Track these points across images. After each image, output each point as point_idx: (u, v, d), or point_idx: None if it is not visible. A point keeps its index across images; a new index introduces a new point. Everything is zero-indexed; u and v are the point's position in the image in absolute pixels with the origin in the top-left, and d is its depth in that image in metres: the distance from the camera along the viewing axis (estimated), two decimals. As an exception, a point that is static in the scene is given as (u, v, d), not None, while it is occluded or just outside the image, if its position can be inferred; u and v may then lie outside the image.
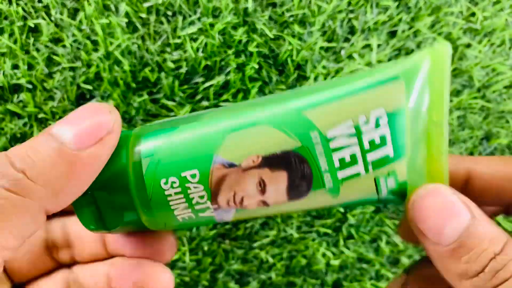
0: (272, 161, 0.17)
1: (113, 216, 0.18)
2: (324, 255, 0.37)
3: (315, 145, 0.17)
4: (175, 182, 0.18)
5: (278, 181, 0.18)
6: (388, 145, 0.17)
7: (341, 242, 0.38)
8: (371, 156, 0.17)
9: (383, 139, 0.17)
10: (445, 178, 0.18)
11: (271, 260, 0.37)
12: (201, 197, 0.18)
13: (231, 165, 0.17)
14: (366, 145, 0.17)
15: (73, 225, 0.21)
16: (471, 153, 0.38)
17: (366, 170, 0.17)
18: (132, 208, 0.18)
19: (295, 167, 0.17)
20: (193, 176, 0.18)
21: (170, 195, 0.18)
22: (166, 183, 0.18)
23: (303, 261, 0.37)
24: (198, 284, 0.37)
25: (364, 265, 0.38)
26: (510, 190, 0.19)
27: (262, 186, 0.18)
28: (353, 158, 0.17)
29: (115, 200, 0.18)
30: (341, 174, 0.17)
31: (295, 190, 0.18)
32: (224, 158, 0.17)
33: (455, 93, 0.38)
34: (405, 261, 0.38)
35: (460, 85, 0.38)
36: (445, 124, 0.17)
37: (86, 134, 0.16)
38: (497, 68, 0.38)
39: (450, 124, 0.38)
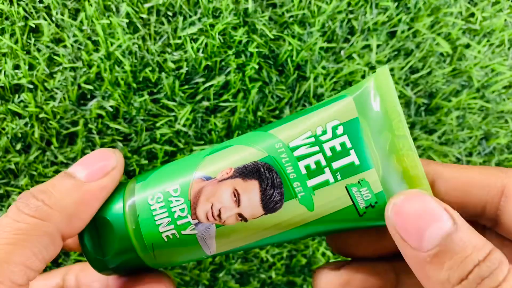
0: (243, 171, 0.19)
1: (108, 241, 0.20)
2: (324, 254, 0.38)
3: (280, 154, 0.19)
4: (160, 197, 0.20)
5: (251, 190, 0.19)
6: (351, 153, 0.19)
7: (341, 241, 0.38)
8: (337, 164, 0.19)
9: (343, 145, 0.19)
10: (427, 188, 0.18)
11: (271, 259, 0.37)
12: (182, 209, 0.19)
13: (208, 178, 0.19)
14: (328, 152, 0.19)
15: (84, 277, 0.24)
16: (470, 153, 0.39)
17: (335, 178, 0.19)
18: (125, 231, 0.20)
19: (265, 175, 0.19)
20: (175, 190, 0.20)
21: (155, 209, 0.20)
22: (152, 198, 0.20)
23: (303, 261, 0.37)
24: (198, 284, 0.37)
25: (364, 265, 0.38)
26: (474, 195, 0.19)
27: (237, 196, 0.19)
28: (318, 165, 0.19)
29: (111, 224, 0.20)
30: (310, 182, 0.19)
31: (268, 200, 0.19)
32: (202, 173, 0.20)
33: (454, 93, 0.38)
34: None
35: (459, 85, 0.39)
36: (409, 137, 0.19)
37: (95, 170, 0.19)
38: (496, 68, 0.38)
39: (450, 124, 0.38)
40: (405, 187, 0.18)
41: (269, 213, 0.19)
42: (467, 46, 0.39)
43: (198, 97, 0.36)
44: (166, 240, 0.20)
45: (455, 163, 0.38)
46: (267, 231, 0.20)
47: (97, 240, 0.20)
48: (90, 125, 0.35)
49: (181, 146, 0.36)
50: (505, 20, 0.39)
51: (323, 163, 0.19)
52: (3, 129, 0.35)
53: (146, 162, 0.36)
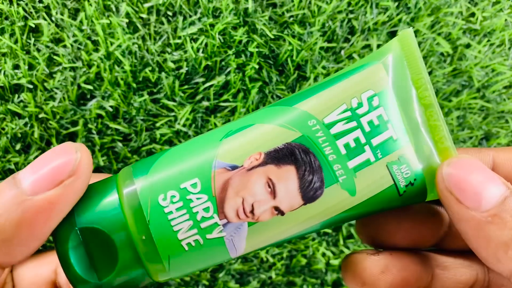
0: (275, 156, 0.16)
1: (105, 258, 0.16)
2: (324, 254, 0.37)
3: (315, 133, 0.16)
4: (174, 196, 0.16)
5: (287, 177, 0.16)
6: (389, 126, 0.17)
7: (341, 241, 0.38)
8: (376, 140, 0.17)
9: (380, 119, 0.17)
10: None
11: (271, 259, 0.37)
12: (206, 209, 0.16)
13: (234, 167, 0.16)
14: (367, 127, 0.17)
15: None
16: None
17: (375, 156, 0.17)
18: (128, 242, 0.16)
19: (301, 159, 0.16)
20: (194, 185, 0.16)
21: (171, 212, 0.16)
22: (164, 198, 0.16)
23: (303, 261, 0.37)
24: (198, 284, 0.37)
25: (364, 265, 0.38)
26: None
27: (272, 187, 0.16)
28: (358, 142, 0.17)
29: (107, 237, 0.16)
30: (351, 163, 0.17)
31: (308, 188, 0.16)
32: (225, 161, 0.16)
33: (455, 93, 0.38)
34: (404, 260, 0.38)
35: (459, 85, 0.38)
36: (436, 105, 0.17)
37: (43, 178, 0.14)
38: (496, 68, 0.38)
39: (450, 124, 0.38)
40: (439, 159, 0.17)
41: (308, 203, 0.16)
42: (468, 46, 0.38)
43: (198, 97, 0.36)
44: (186, 248, 0.16)
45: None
46: (304, 223, 0.17)
47: (89, 259, 0.16)
48: (89, 125, 0.35)
49: (181, 146, 0.36)
50: (506, 20, 0.39)
51: (363, 140, 0.17)
52: (3, 129, 0.35)
53: (146, 162, 0.35)
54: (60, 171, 0.15)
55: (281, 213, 0.17)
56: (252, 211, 0.16)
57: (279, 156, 0.16)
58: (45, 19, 0.36)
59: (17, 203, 0.14)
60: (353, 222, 0.38)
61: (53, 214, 0.15)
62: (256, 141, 0.16)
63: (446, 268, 0.19)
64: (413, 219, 0.20)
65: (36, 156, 0.35)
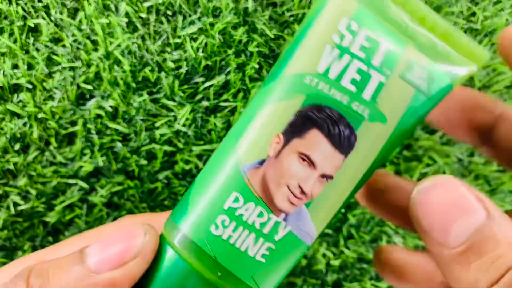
0: (293, 130, 0.16)
1: None
2: (324, 255, 0.37)
3: (316, 86, 0.16)
4: (224, 220, 0.15)
5: (316, 142, 0.16)
6: (380, 40, 0.16)
7: (341, 242, 0.38)
8: (377, 60, 0.16)
9: (369, 39, 0.16)
10: (458, 38, 0.17)
11: (271, 260, 0.37)
12: (260, 214, 0.16)
13: (261, 162, 0.16)
14: (361, 54, 0.16)
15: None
16: (472, 154, 0.38)
17: (384, 74, 0.16)
18: (209, 285, 0.15)
19: (318, 118, 0.16)
20: (236, 200, 0.16)
21: (230, 236, 0.15)
22: (217, 227, 0.15)
23: (303, 261, 0.37)
24: (198, 284, 0.37)
25: (364, 265, 0.38)
26: None
27: (307, 159, 0.16)
28: (361, 72, 0.16)
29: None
30: (366, 94, 0.16)
31: (340, 139, 0.16)
32: (250, 161, 0.16)
33: (456, 93, 0.38)
34: (405, 261, 0.38)
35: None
36: (433, 14, 0.17)
37: (110, 258, 0.15)
38: (497, 68, 0.38)
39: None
40: (443, 44, 0.16)
41: (348, 153, 0.16)
42: (469, 45, 0.38)
43: (198, 97, 0.36)
44: (264, 261, 0.16)
45: (457, 163, 0.38)
46: (355, 175, 0.16)
47: None
48: (89, 125, 0.35)
49: (181, 146, 0.36)
50: (507, 19, 0.38)
51: (364, 67, 0.16)
52: (2, 129, 0.35)
53: (146, 162, 0.35)
54: (126, 253, 0.15)
55: (330, 177, 0.16)
56: (302, 192, 0.16)
57: (297, 127, 0.16)
58: (44, 19, 0.35)
59: (81, 279, 0.15)
60: (353, 222, 0.37)
61: None
62: (268, 127, 0.16)
63: None
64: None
65: (36, 156, 0.35)
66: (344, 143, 0.16)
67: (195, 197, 0.16)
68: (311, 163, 0.16)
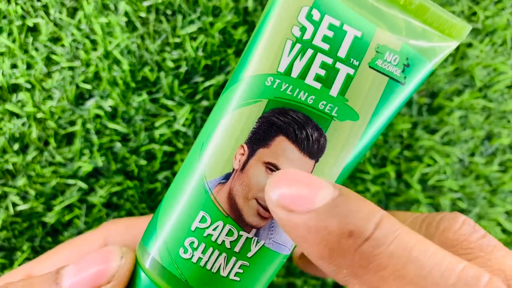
0: (257, 138, 0.15)
1: None
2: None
3: (279, 89, 0.15)
4: (193, 242, 0.14)
5: (282, 149, 0.15)
6: (345, 28, 0.15)
7: (342, 242, 0.38)
8: (342, 51, 0.15)
9: (333, 27, 0.15)
10: (433, 13, 0.15)
11: (271, 260, 0.37)
12: (230, 233, 0.15)
13: (227, 177, 0.15)
14: (325, 46, 0.15)
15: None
16: (472, 154, 0.38)
17: (352, 66, 0.15)
18: None
19: (283, 122, 0.15)
20: (203, 220, 0.15)
21: (200, 258, 0.15)
22: (185, 251, 0.15)
23: (304, 262, 0.37)
24: (197, 285, 0.37)
25: (365, 266, 0.38)
26: None
27: (275, 169, 0.15)
28: (326, 66, 0.15)
29: None
30: (333, 91, 0.15)
31: (308, 145, 0.15)
32: (215, 176, 0.15)
33: (457, 93, 0.38)
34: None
35: (461, 85, 0.38)
36: None
37: (84, 281, 0.15)
38: (498, 68, 0.38)
39: (452, 124, 0.38)
40: (417, 23, 0.15)
41: (319, 157, 0.15)
42: (469, 45, 0.38)
43: (198, 97, 0.36)
44: (239, 279, 0.15)
45: (457, 163, 0.38)
46: (330, 178, 0.15)
47: None
48: (88, 125, 0.35)
49: (180, 146, 0.35)
50: (508, 19, 0.38)
51: (329, 60, 0.15)
52: (1, 129, 0.35)
53: (145, 162, 0.35)
54: (101, 277, 0.15)
55: None
56: None
57: (261, 135, 0.15)
58: (43, 18, 0.35)
59: None
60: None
61: None
62: (231, 138, 0.15)
63: None
64: None
65: (35, 156, 0.35)
66: (313, 148, 0.15)
67: (162, 218, 0.15)
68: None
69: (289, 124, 0.14)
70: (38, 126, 0.35)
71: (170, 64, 0.35)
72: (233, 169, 0.14)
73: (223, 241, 0.14)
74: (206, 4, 0.35)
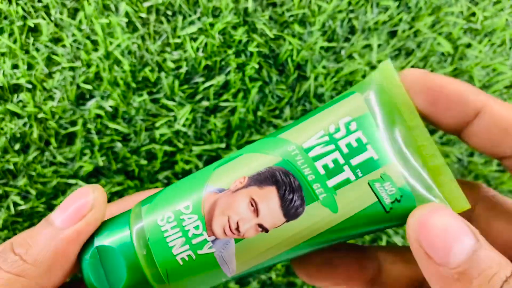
0: (258, 178, 0.18)
1: (116, 272, 0.19)
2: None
3: (294, 157, 0.18)
4: (170, 217, 0.18)
5: (269, 197, 0.18)
6: (368, 148, 0.18)
7: (341, 242, 0.38)
8: (356, 161, 0.18)
9: (359, 141, 0.18)
10: (450, 177, 0.18)
11: (271, 260, 0.37)
12: (196, 227, 0.18)
13: (221, 190, 0.18)
14: (345, 149, 0.18)
15: None
16: (471, 154, 0.38)
17: (355, 175, 0.18)
18: (133, 258, 0.18)
19: (282, 180, 0.18)
20: (187, 207, 0.18)
21: (167, 230, 0.18)
22: (162, 219, 0.18)
23: (303, 261, 0.37)
24: (198, 284, 0.37)
25: (364, 265, 0.38)
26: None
27: (254, 205, 0.18)
28: (336, 163, 0.18)
29: (117, 253, 0.19)
30: (330, 182, 0.18)
31: (289, 206, 0.18)
32: (214, 186, 0.18)
33: (456, 93, 0.38)
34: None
35: (460, 85, 0.38)
36: (422, 126, 0.18)
37: (70, 215, 0.19)
38: (497, 68, 0.38)
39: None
40: (428, 178, 0.18)
41: (291, 220, 0.18)
42: (468, 45, 0.38)
43: (198, 97, 0.36)
44: (181, 263, 0.18)
45: (457, 163, 0.38)
46: (290, 241, 0.18)
47: (103, 273, 0.19)
48: (89, 125, 0.35)
49: (181, 146, 0.36)
50: (506, 19, 0.38)
51: (341, 161, 0.18)
52: (2, 129, 0.35)
53: (146, 162, 0.35)
54: (82, 208, 0.19)
55: (265, 230, 0.18)
56: (237, 228, 0.18)
57: (261, 178, 0.18)
58: (44, 19, 0.35)
59: (53, 237, 0.18)
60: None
61: (79, 241, 0.19)
62: (243, 168, 0.19)
63: (394, 262, 0.20)
64: (344, 262, 0.21)
65: (36, 156, 0.35)
66: (291, 210, 0.18)
67: (164, 194, 0.19)
68: (256, 210, 0.18)
69: (285, 183, 0.18)
70: (39, 126, 0.35)
71: (171, 64, 0.35)
72: (228, 188, 0.18)
73: (189, 229, 0.18)
74: (206, 5, 0.36)
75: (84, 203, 0.19)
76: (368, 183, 0.18)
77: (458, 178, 0.18)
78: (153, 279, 0.18)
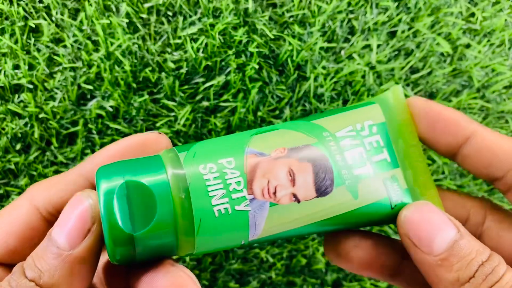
0: (297, 153, 0.19)
1: (144, 212, 0.17)
2: (324, 254, 0.37)
3: (328, 142, 0.20)
4: (212, 168, 0.18)
5: (305, 171, 0.19)
6: (384, 151, 0.21)
7: (341, 241, 0.38)
8: (375, 158, 0.20)
9: (378, 143, 0.21)
10: (434, 193, 0.21)
11: (271, 259, 0.37)
12: (238, 183, 0.18)
13: (262, 154, 0.19)
14: (368, 147, 0.20)
15: None
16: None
17: (374, 170, 0.20)
18: (167, 199, 0.17)
19: (317, 159, 0.19)
20: (229, 162, 0.19)
21: (209, 179, 0.18)
22: (204, 168, 0.18)
23: (303, 261, 0.37)
24: (198, 284, 0.37)
25: (364, 265, 0.38)
26: (504, 161, 0.20)
27: (292, 175, 0.19)
28: (361, 157, 0.20)
29: (150, 192, 0.17)
30: (356, 171, 0.20)
31: (321, 183, 0.19)
32: (255, 149, 0.19)
33: (455, 93, 0.38)
34: (404, 260, 0.39)
35: (459, 85, 0.38)
36: (419, 146, 0.21)
37: (73, 231, 0.17)
38: (496, 69, 0.38)
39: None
40: (416, 191, 0.21)
41: (320, 196, 0.19)
42: (468, 46, 0.38)
43: (198, 97, 0.36)
44: (217, 215, 0.18)
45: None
46: (315, 216, 0.20)
47: (129, 211, 0.17)
48: (90, 125, 0.35)
49: (181, 146, 0.36)
50: (506, 20, 0.39)
51: (364, 155, 0.20)
52: (3, 129, 0.35)
53: (146, 162, 0.35)
54: (83, 220, 0.17)
55: (298, 200, 0.19)
56: (274, 193, 0.19)
57: (300, 153, 0.19)
58: (45, 19, 0.36)
59: (62, 260, 0.17)
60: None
61: (92, 258, 0.18)
62: (282, 139, 0.20)
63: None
64: (373, 244, 0.22)
65: (37, 156, 0.35)
66: (322, 187, 0.19)
67: (200, 147, 0.19)
68: (293, 180, 0.19)
69: (320, 163, 0.19)
70: (40, 126, 0.35)
71: (171, 65, 0.36)
72: (269, 154, 0.19)
73: (231, 183, 0.18)
74: (206, 6, 0.36)
75: (82, 212, 0.17)
76: (382, 180, 0.20)
77: (457, 178, 0.20)
78: (183, 227, 0.18)
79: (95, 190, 0.18)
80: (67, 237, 0.17)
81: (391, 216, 0.20)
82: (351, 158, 0.20)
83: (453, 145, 0.21)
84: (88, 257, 0.17)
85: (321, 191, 0.19)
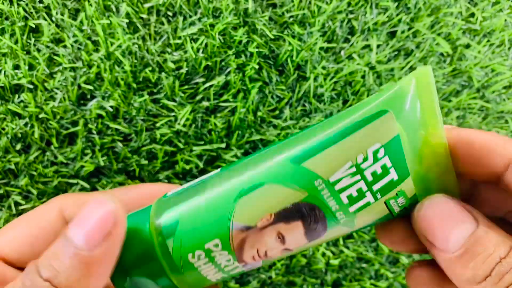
0: (284, 215, 0.19)
1: None
2: (323, 254, 0.38)
3: (321, 191, 0.18)
4: (201, 255, 0.19)
5: (295, 230, 0.19)
6: (391, 171, 0.18)
7: (341, 241, 0.38)
8: (377, 186, 0.18)
9: (384, 167, 0.18)
10: (454, 181, 0.19)
11: (271, 259, 0.37)
12: (228, 260, 0.19)
13: (248, 228, 0.19)
14: (369, 177, 0.18)
15: None
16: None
17: (375, 198, 0.19)
18: (168, 283, 0.20)
19: (307, 214, 0.19)
20: (216, 245, 0.19)
21: (200, 266, 0.19)
22: (193, 257, 0.19)
23: (303, 261, 0.37)
24: (198, 284, 0.37)
25: (364, 265, 0.38)
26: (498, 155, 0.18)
27: (281, 238, 0.19)
28: (360, 192, 0.18)
29: (153, 284, 0.20)
30: (352, 208, 0.19)
31: (312, 233, 0.19)
32: (240, 223, 0.19)
33: (455, 93, 0.38)
34: (404, 260, 0.39)
35: (459, 86, 0.39)
36: (443, 133, 0.18)
37: (94, 232, 0.17)
38: (496, 69, 0.38)
39: (449, 124, 0.38)
40: (430, 178, 0.19)
41: (313, 241, 0.19)
42: (467, 46, 0.38)
43: (198, 97, 0.36)
44: (214, 280, 0.20)
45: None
46: (309, 247, 0.20)
47: None
48: (90, 125, 0.35)
49: (181, 146, 0.36)
50: (505, 20, 0.39)
51: (364, 188, 0.18)
52: (3, 129, 0.35)
53: (146, 162, 0.36)
54: (105, 222, 0.17)
55: (290, 250, 0.20)
56: (265, 255, 0.20)
57: (288, 215, 0.19)
58: (45, 20, 0.36)
59: (79, 260, 0.17)
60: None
61: (110, 261, 0.18)
62: (267, 204, 0.19)
63: None
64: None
65: (37, 156, 0.35)
66: (314, 235, 0.19)
67: (189, 224, 0.19)
68: (283, 240, 0.19)
69: (310, 216, 0.19)
70: (40, 126, 0.35)
71: (171, 65, 0.36)
72: (255, 226, 0.19)
73: (221, 263, 0.19)
74: (206, 6, 0.36)
75: (106, 215, 0.17)
76: (385, 202, 0.19)
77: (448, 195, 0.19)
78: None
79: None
80: (86, 237, 0.17)
81: (392, 219, 0.20)
82: (348, 197, 0.18)
83: (493, 177, 0.19)
84: (105, 260, 0.17)
85: (314, 237, 0.19)
